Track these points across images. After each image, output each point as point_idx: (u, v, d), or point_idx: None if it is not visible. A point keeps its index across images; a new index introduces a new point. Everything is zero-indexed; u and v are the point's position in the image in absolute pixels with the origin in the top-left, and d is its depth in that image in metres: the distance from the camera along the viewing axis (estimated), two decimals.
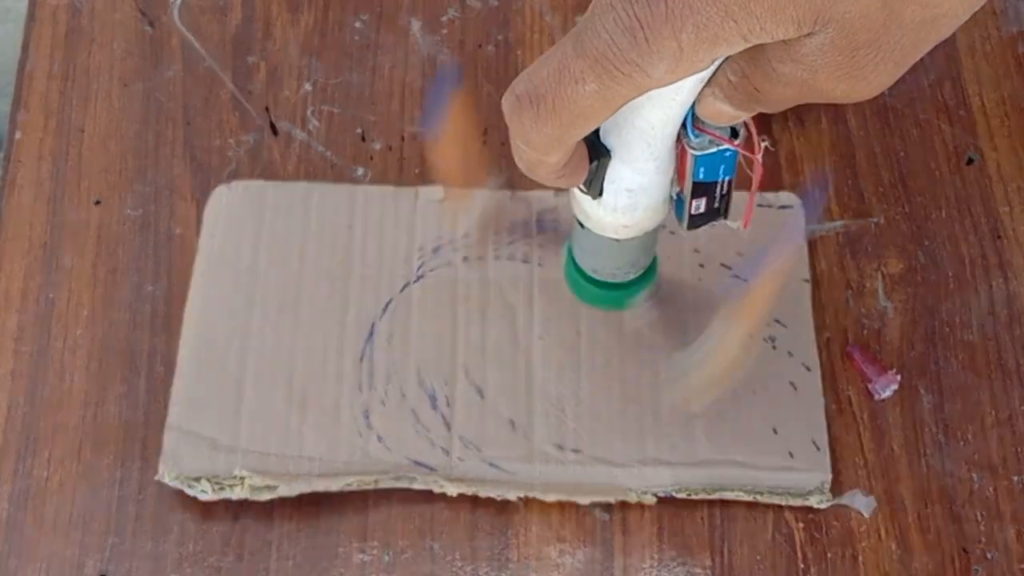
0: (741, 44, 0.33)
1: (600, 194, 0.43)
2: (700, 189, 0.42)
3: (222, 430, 0.51)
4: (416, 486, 0.49)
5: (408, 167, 0.58)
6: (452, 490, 0.49)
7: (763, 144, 0.41)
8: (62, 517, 0.50)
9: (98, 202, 0.57)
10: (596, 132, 0.41)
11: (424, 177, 0.57)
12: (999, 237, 0.57)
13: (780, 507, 0.50)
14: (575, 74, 0.34)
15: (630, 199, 0.43)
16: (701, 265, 0.53)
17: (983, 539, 0.50)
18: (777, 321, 0.52)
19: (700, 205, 0.43)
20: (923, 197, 0.58)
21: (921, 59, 0.60)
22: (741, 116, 0.39)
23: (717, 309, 0.47)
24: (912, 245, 0.57)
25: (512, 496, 0.49)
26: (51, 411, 0.52)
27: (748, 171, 0.42)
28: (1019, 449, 0.51)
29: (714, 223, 0.44)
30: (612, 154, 0.41)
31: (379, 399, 0.51)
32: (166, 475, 0.49)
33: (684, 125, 0.40)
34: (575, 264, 0.50)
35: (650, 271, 0.50)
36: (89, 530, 0.49)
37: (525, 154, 0.38)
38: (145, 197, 0.57)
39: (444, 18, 0.62)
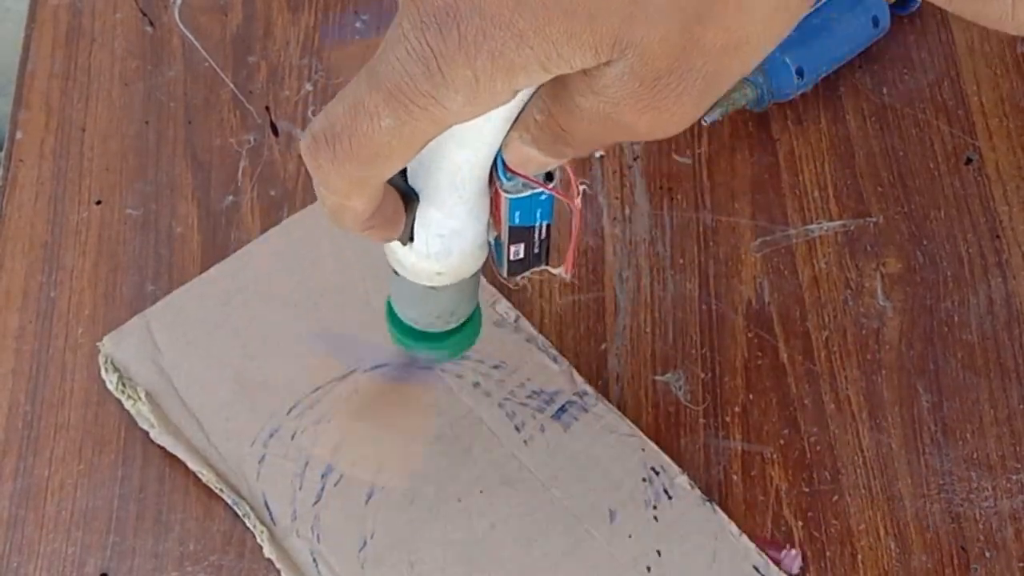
0: (541, 73, 0.32)
1: (411, 239, 0.41)
2: (517, 234, 0.41)
3: (171, 349, 0.52)
4: (246, 521, 0.49)
5: None
6: (267, 551, 0.48)
7: (582, 188, 0.40)
8: (63, 516, 0.50)
9: (99, 201, 0.57)
10: (404, 175, 0.39)
11: None
12: (997, 237, 0.57)
13: (780, 506, 0.50)
14: (370, 109, 0.33)
15: (443, 244, 0.40)
16: (648, 568, 0.48)
17: (982, 537, 0.50)
18: None
19: (519, 251, 0.41)
20: (922, 197, 0.58)
21: (920, 59, 0.60)
22: (550, 163, 0.37)
23: None
24: (911, 245, 0.57)
25: None
26: (52, 410, 0.52)
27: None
28: (1017, 448, 0.52)
29: (535, 269, 0.43)
30: (421, 197, 0.39)
31: (294, 431, 0.50)
32: (102, 348, 0.52)
33: (496, 168, 0.38)
34: (394, 315, 0.46)
35: (473, 319, 0.46)
36: (90, 529, 0.49)
37: (328, 199, 0.36)
38: (146, 196, 0.57)
39: None
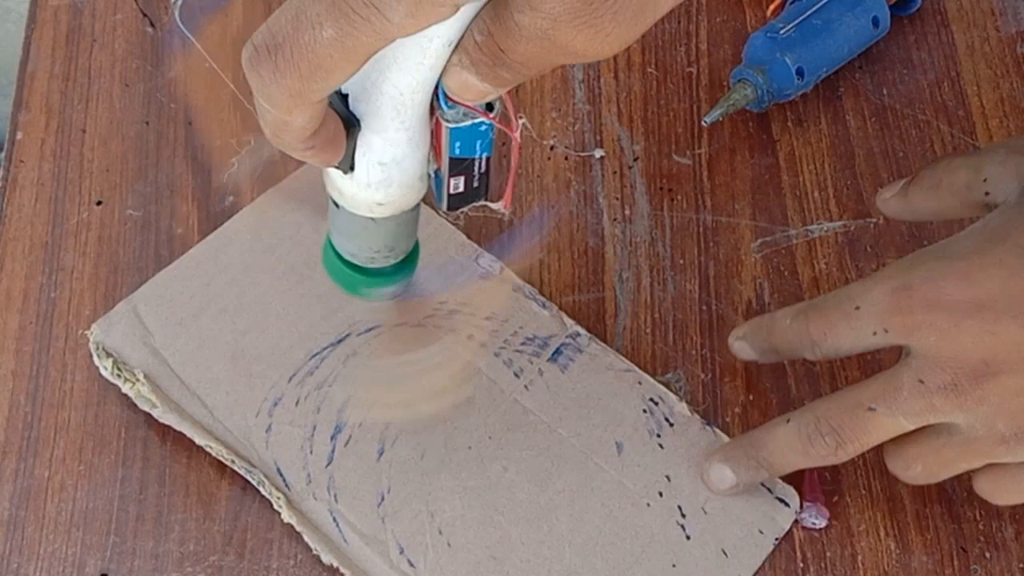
0: None
1: (352, 168, 0.40)
2: (457, 166, 0.41)
3: (161, 331, 0.52)
4: (261, 489, 0.49)
5: None
6: (286, 516, 0.48)
7: (521, 121, 0.40)
8: (63, 516, 0.50)
9: (99, 202, 0.57)
10: (345, 101, 0.39)
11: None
12: None
13: None
14: (312, 18, 0.33)
15: (383, 173, 0.40)
16: (660, 493, 0.50)
17: (982, 538, 0.50)
18: None
19: (459, 184, 0.42)
20: None
21: (920, 59, 0.60)
22: (488, 92, 0.37)
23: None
24: (911, 245, 0.57)
25: (325, 560, 0.48)
26: (53, 411, 0.52)
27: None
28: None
29: (475, 204, 0.43)
30: (362, 123, 0.39)
31: (297, 397, 0.51)
32: (92, 335, 0.51)
33: (437, 97, 0.38)
34: (333, 248, 0.46)
35: (411, 258, 0.46)
36: (90, 529, 0.49)
37: (268, 114, 0.36)
38: (146, 197, 0.58)
39: None
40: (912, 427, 0.45)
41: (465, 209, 0.43)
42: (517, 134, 0.40)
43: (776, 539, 0.49)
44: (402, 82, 0.37)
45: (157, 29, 0.63)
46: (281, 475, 0.49)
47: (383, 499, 0.49)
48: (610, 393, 0.52)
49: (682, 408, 0.52)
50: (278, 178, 0.58)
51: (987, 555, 0.50)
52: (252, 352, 0.52)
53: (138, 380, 0.51)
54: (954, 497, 0.51)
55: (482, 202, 0.43)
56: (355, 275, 0.46)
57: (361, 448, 0.50)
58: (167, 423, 0.50)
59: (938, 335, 0.44)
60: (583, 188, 0.58)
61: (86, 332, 0.52)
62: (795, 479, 0.50)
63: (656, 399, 0.52)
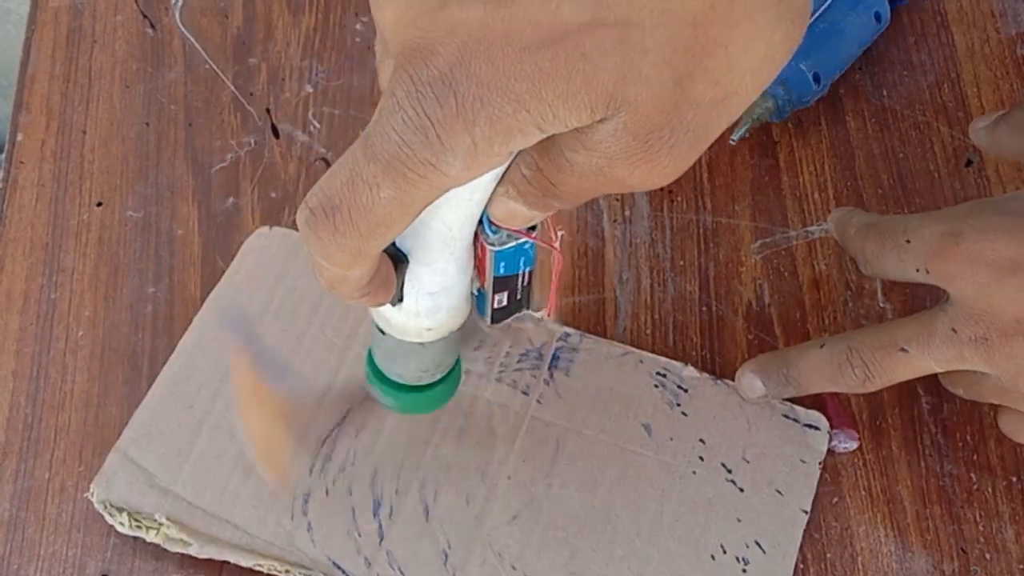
0: (536, 134, 0.32)
1: (400, 300, 0.41)
2: (501, 284, 0.41)
3: (163, 468, 0.49)
4: None
5: None
6: None
7: (560, 234, 0.40)
8: (64, 517, 0.50)
9: (100, 203, 0.57)
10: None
11: None
12: None
13: None
14: (368, 181, 0.33)
15: (432, 302, 0.41)
16: (701, 458, 0.51)
17: (982, 539, 0.50)
18: (757, 543, 0.49)
19: (503, 299, 0.42)
20: (922, 199, 0.58)
21: (920, 60, 0.60)
22: (535, 217, 0.37)
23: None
24: None
25: None
26: (53, 412, 0.52)
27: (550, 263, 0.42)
28: (1018, 449, 0.52)
29: (518, 315, 0.43)
30: (410, 257, 0.40)
31: (325, 487, 0.49)
32: (94, 496, 0.49)
33: (481, 222, 0.39)
34: (376, 371, 0.46)
35: (455, 368, 0.46)
36: (91, 530, 0.49)
37: (326, 271, 0.36)
38: (146, 198, 0.58)
39: None
40: (940, 370, 0.47)
41: (509, 321, 0.44)
42: (558, 247, 0.41)
43: (819, 463, 0.50)
44: (450, 217, 0.38)
45: (157, 30, 0.63)
46: (339, 568, 0.48)
47: (447, 556, 0.48)
48: (618, 380, 0.52)
49: (690, 371, 0.53)
50: (279, 179, 0.58)
51: (987, 556, 0.50)
52: (271, 409, 0.49)
53: (161, 524, 0.48)
54: (954, 498, 0.51)
55: (525, 311, 0.44)
56: (402, 394, 0.46)
57: (407, 515, 0.49)
58: (208, 556, 0.48)
59: (976, 288, 0.45)
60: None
61: (87, 496, 0.49)
62: (818, 407, 0.52)
63: (662, 371, 0.53)
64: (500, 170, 0.36)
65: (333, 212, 0.34)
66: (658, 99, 0.32)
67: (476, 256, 0.41)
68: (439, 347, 0.44)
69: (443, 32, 0.31)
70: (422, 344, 0.43)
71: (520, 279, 0.42)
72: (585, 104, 0.31)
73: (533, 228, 0.40)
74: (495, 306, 0.42)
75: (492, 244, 0.40)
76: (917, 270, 0.46)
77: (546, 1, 0.30)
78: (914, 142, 0.60)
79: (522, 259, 0.41)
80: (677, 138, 0.33)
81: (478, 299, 0.43)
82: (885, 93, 0.62)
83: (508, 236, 0.39)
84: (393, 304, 0.41)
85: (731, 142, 0.59)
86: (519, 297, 0.43)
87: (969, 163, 0.59)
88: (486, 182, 0.36)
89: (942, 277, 0.46)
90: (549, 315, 0.44)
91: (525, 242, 0.40)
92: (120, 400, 0.52)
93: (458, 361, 0.46)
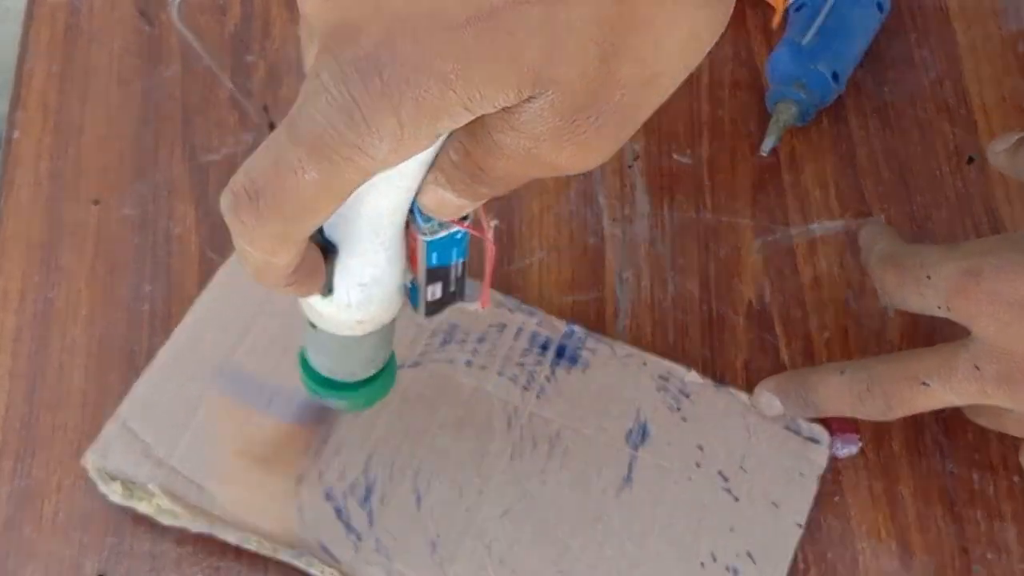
0: (464, 115, 0.32)
1: (330, 291, 0.40)
2: (434, 275, 0.41)
3: (160, 440, 0.49)
4: (312, 570, 0.47)
5: None
6: None
7: (493, 224, 0.40)
8: (61, 517, 0.49)
9: (96, 202, 0.57)
10: (320, 229, 0.39)
11: None
12: None
13: None
14: (293, 164, 0.32)
15: (363, 293, 0.40)
16: (698, 465, 0.50)
17: (983, 539, 0.50)
18: (748, 554, 0.48)
19: (436, 291, 0.42)
20: (924, 196, 0.58)
21: (922, 57, 0.60)
22: (465, 206, 0.37)
23: None
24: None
25: None
26: (50, 411, 0.52)
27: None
28: (1019, 449, 0.51)
29: (451, 306, 0.43)
30: (340, 248, 0.39)
31: (319, 470, 0.49)
32: (89, 462, 0.49)
33: (412, 211, 0.39)
34: (309, 368, 0.45)
35: (389, 366, 0.46)
36: (88, 530, 0.49)
37: (251, 256, 0.35)
38: (143, 197, 0.57)
39: None
40: (961, 403, 0.47)
41: (443, 312, 0.43)
42: (490, 237, 0.40)
43: (818, 477, 0.50)
44: (380, 205, 0.37)
45: (155, 27, 0.62)
46: (326, 550, 0.48)
47: (435, 546, 0.48)
48: (621, 381, 0.52)
49: (692, 376, 0.52)
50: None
51: (989, 556, 0.50)
52: (259, 438, 0.51)
53: (154, 495, 0.48)
54: (955, 498, 0.51)
55: (459, 303, 0.43)
56: (334, 391, 0.45)
57: (398, 502, 0.49)
58: (199, 531, 0.48)
59: (998, 327, 0.45)
60: (583, 187, 0.58)
61: (83, 463, 0.49)
62: None
63: (665, 375, 0.52)
64: (429, 158, 0.36)
65: (257, 195, 0.33)
66: (584, 77, 0.31)
67: (408, 247, 0.40)
68: (373, 341, 0.43)
69: (368, 12, 0.31)
70: (355, 337, 0.42)
71: (454, 270, 0.41)
72: (512, 83, 0.31)
73: (466, 218, 0.39)
74: (429, 298, 0.42)
75: (424, 234, 0.39)
76: (939, 307, 0.47)
77: None
78: (916, 139, 0.60)
79: (454, 250, 0.40)
80: (604, 118, 0.32)
81: (412, 292, 0.42)
82: (887, 90, 0.62)
83: (440, 226, 0.39)
84: (323, 296, 0.40)
85: (763, 154, 0.59)
86: (453, 289, 0.42)
87: (971, 160, 0.59)
88: (415, 169, 0.36)
89: (963, 315, 0.46)
90: (483, 306, 0.43)
91: (457, 232, 0.40)
92: (117, 399, 0.52)
93: (392, 356, 0.46)
